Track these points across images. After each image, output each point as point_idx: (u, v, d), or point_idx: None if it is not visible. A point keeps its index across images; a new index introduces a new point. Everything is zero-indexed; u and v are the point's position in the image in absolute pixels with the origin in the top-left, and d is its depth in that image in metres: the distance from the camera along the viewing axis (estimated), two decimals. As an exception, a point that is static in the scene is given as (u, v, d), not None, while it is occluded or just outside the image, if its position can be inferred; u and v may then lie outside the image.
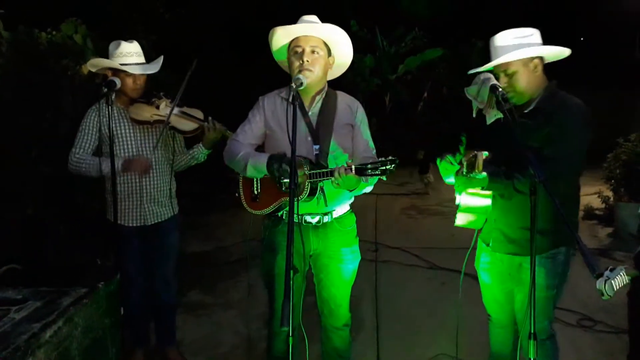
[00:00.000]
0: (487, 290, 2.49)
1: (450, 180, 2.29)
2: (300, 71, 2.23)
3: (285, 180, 2.19)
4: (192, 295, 4.28)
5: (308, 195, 2.23)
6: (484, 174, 1.96)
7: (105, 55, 2.90)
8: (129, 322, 2.92)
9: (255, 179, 2.38)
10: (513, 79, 2.16)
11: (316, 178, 2.20)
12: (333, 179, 2.13)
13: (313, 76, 2.27)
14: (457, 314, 2.50)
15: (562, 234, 2.22)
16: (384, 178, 2.10)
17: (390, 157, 2.07)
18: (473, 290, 2.56)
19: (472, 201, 2.22)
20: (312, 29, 2.27)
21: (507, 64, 2.16)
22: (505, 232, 2.29)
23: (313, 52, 2.27)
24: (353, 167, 2.09)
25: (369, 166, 2.08)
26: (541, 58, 2.19)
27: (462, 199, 2.21)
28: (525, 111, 2.21)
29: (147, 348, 3.17)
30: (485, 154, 1.93)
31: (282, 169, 2.14)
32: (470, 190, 2.20)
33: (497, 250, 2.35)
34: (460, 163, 2.11)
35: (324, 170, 2.20)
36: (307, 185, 2.22)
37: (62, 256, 4.07)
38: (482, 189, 2.12)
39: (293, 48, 2.29)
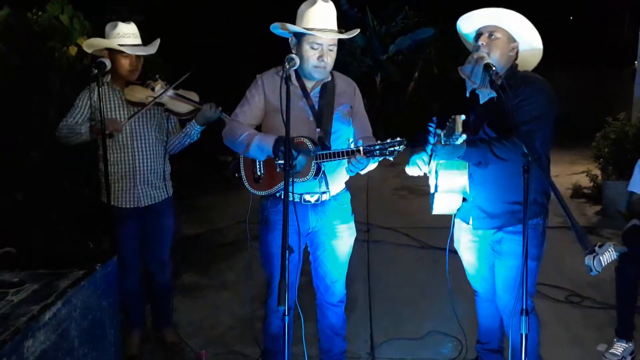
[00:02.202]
0: (471, 268, 2.54)
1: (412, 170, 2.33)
2: (316, 67, 2.28)
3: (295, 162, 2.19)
4: (187, 278, 4.29)
5: (314, 175, 2.26)
6: (464, 136, 1.93)
7: (93, 36, 2.87)
8: (124, 304, 2.93)
9: (257, 160, 2.38)
10: (493, 43, 2.21)
11: (323, 159, 2.24)
12: (348, 164, 2.17)
13: (326, 72, 2.34)
14: (449, 294, 2.54)
15: (538, 206, 2.27)
16: (391, 158, 2.13)
17: (398, 139, 2.11)
18: (461, 268, 2.59)
19: (450, 180, 2.24)
20: (337, 36, 2.29)
21: (496, 28, 2.21)
22: (486, 209, 2.32)
23: (331, 50, 2.29)
24: (362, 148, 2.13)
25: (377, 147, 2.11)
26: (517, 50, 2.27)
27: (440, 180, 2.23)
28: (499, 84, 2.23)
29: (144, 330, 3.19)
30: (462, 117, 1.94)
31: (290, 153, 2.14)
32: (447, 170, 2.21)
33: (479, 227, 2.37)
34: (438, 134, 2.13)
35: (330, 151, 2.24)
36: (314, 166, 2.24)
37: (54, 241, 4.06)
38: (459, 158, 2.13)
39: (309, 38, 2.25)
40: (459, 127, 1.89)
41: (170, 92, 2.84)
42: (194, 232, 5.53)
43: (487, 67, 2.05)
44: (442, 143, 2.00)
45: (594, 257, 2.37)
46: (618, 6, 12.56)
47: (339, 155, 2.21)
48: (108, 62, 2.64)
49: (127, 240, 2.93)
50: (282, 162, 2.19)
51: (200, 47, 7.67)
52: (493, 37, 2.21)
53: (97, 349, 1.69)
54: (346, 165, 2.23)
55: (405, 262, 4.63)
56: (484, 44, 2.21)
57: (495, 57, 2.20)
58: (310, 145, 2.26)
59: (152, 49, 2.89)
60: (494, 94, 2.17)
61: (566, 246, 4.53)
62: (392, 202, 6.79)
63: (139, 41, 2.86)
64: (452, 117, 1.91)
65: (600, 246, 2.59)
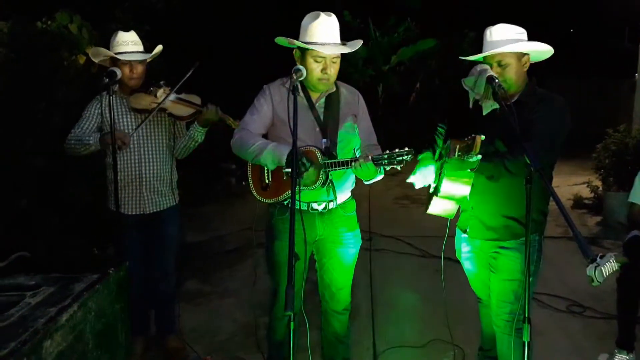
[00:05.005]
0: (473, 276, 2.57)
1: (427, 172, 2.36)
2: (320, 79, 2.33)
3: (306, 172, 2.23)
4: (190, 284, 4.32)
5: (322, 183, 2.31)
6: (479, 156, 1.98)
7: (100, 45, 2.93)
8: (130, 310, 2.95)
9: (266, 168, 2.42)
10: (506, 70, 2.24)
11: (330, 168, 2.28)
12: (353, 168, 2.21)
13: (330, 84, 2.39)
14: (445, 300, 2.57)
15: (535, 223, 2.28)
16: (399, 168, 2.18)
17: (406, 148, 2.15)
18: (463, 277, 2.63)
19: (453, 188, 2.26)
20: (340, 50, 2.33)
21: (502, 55, 2.23)
22: (483, 219, 2.36)
23: (334, 62, 2.34)
24: (370, 157, 2.17)
25: (386, 156, 2.16)
26: (529, 55, 2.28)
27: (443, 185, 2.26)
28: (508, 103, 2.26)
29: (148, 336, 3.21)
30: (482, 137, 1.97)
31: (303, 163, 2.19)
32: (453, 176, 2.23)
33: (475, 237, 2.42)
34: (452, 147, 2.16)
35: (338, 160, 2.28)
36: (322, 174, 2.28)
37: (59, 247, 4.09)
38: (470, 171, 2.17)
39: (313, 52, 2.30)
40: (477, 148, 1.92)
41: (173, 97, 2.89)
42: (197, 239, 5.56)
43: (491, 79, 2.09)
44: (456, 157, 2.04)
45: (595, 267, 2.40)
46: (618, 19, 12.67)
47: (347, 164, 2.25)
48: (119, 71, 2.69)
49: (132, 247, 2.94)
50: (289, 170, 2.23)
51: (205, 53, 7.73)
52: (503, 63, 2.24)
53: (109, 351, 1.72)
54: (353, 173, 2.27)
55: (407, 270, 4.65)
56: (497, 74, 2.21)
57: (512, 82, 2.24)
58: (319, 155, 2.30)
59: (149, 54, 2.93)
60: (497, 106, 2.22)
61: (567, 256, 4.56)
62: (394, 211, 6.82)
63: (139, 48, 2.90)
64: (472, 135, 1.95)
65: (601, 257, 2.61)
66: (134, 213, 2.95)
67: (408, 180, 2.42)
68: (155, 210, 2.99)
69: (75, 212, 4.35)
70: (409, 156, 2.15)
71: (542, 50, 2.29)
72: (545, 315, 3.67)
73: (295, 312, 2.12)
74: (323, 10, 2.34)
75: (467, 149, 1.96)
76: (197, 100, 2.95)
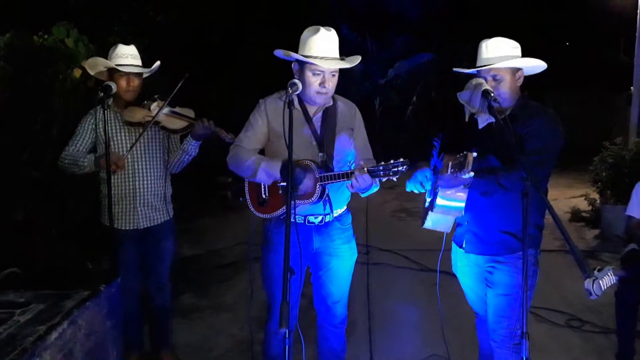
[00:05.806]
0: (469, 290, 2.55)
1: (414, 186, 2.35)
2: (318, 93, 2.33)
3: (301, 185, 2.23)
4: (185, 299, 4.28)
5: (318, 197, 2.30)
6: (472, 173, 1.99)
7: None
8: (123, 325, 2.92)
9: (262, 184, 2.41)
10: (500, 84, 2.25)
11: (326, 181, 2.27)
12: (351, 181, 2.20)
13: (328, 97, 2.39)
14: (440, 314, 2.55)
15: (530, 237, 2.26)
16: (395, 179, 2.18)
17: (401, 159, 2.14)
18: (461, 291, 2.60)
19: (447, 203, 2.26)
20: (339, 66, 2.33)
21: (497, 70, 2.24)
22: (478, 234, 2.35)
23: (333, 75, 2.35)
24: (366, 168, 2.17)
25: (382, 168, 2.16)
26: (522, 70, 2.30)
27: (438, 201, 2.26)
28: (501, 117, 2.27)
29: (142, 352, 3.17)
30: (474, 154, 1.97)
31: (296, 176, 2.18)
32: (448, 192, 2.23)
33: (471, 252, 2.41)
34: (445, 163, 2.16)
35: (334, 173, 2.28)
36: (319, 188, 2.28)
37: (54, 261, 4.06)
38: (465, 187, 2.16)
39: (312, 66, 2.30)
40: (469, 165, 1.92)
41: (166, 110, 2.88)
42: (192, 253, 5.53)
43: (486, 93, 2.10)
44: (449, 174, 2.03)
45: (593, 281, 2.38)
46: (613, 32, 12.80)
47: (343, 176, 2.25)
48: (114, 86, 2.69)
49: (126, 262, 2.91)
50: (284, 184, 2.23)
51: (203, 68, 7.78)
52: (498, 78, 2.25)
53: (100, 369, 1.70)
54: (349, 186, 2.26)
55: (405, 284, 4.62)
56: (491, 87, 2.21)
57: (506, 96, 2.25)
58: (314, 167, 2.30)
59: (148, 69, 2.94)
60: (492, 120, 2.22)
61: (566, 270, 4.54)
62: (391, 225, 6.80)
63: (137, 62, 2.91)
64: (464, 152, 1.94)
65: (599, 270, 2.60)
66: (127, 228, 2.92)
67: (407, 186, 2.41)
68: (149, 226, 2.96)
69: (73, 222, 4.34)
70: (405, 167, 2.15)
71: (536, 65, 2.30)
72: (544, 329, 3.64)
73: (291, 327, 2.10)
74: (322, 24, 2.34)
75: (460, 166, 1.97)
76: (190, 113, 2.94)
